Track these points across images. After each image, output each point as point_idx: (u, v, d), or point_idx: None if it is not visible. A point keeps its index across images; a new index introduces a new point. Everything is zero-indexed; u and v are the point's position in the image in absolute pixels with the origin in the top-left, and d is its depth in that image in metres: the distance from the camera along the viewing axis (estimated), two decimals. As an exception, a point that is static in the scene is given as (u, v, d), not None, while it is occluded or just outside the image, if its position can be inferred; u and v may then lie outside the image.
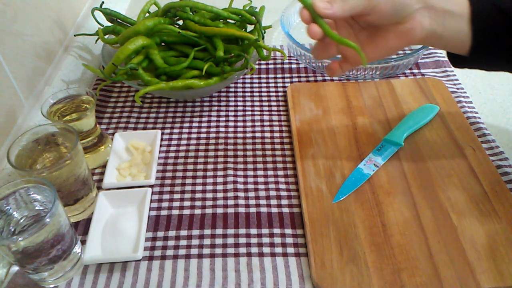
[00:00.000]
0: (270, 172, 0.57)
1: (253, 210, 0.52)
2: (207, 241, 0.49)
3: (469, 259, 0.45)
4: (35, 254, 0.41)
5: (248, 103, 0.68)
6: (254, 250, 0.48)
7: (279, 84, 0.71)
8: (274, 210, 0.52)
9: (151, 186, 0.55)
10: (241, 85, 0.71)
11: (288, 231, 0.50)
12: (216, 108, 0.67)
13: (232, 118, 0.65)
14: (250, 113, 0.66)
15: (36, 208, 0.43)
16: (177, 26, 0.66)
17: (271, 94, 0.69)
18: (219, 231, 0.50)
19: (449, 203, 0.51)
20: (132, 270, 0.47)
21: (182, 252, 0.48)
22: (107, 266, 0.47)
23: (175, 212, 0.53)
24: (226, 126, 0.64)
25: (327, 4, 0.41)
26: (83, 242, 0.49)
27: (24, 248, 0.40)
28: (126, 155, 0.59)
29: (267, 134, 0.62)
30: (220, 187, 0.55)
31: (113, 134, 0.62)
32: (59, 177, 0.46)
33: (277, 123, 0.64)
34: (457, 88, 0.68)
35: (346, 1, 0.41)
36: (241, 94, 0.69)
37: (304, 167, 0.56)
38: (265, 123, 0.64)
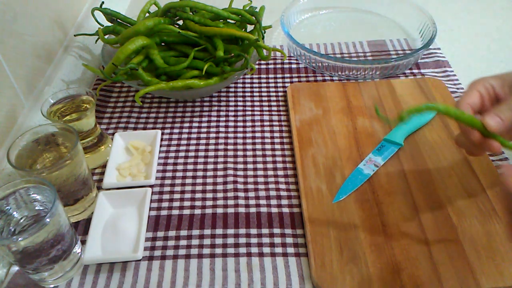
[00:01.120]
0: (270, 172, 0.57)
1: (253, 210, 0.52)
2: (207, 241, 0.49)
3: (469, 259, 0.45)
4: (35, 254, 0.41)
5: (248, 103, 0.68)
6: (254, 250, 0.48)
7: (279, 84, 0.71)
8: (274, 210, 0.52)
9: (151, 186, 0.55)
10: (241, 85, 0.71)
11: (288, 231, 0.50)
12: (216, 108, 0.67)
13: (232, 118, 0.65)
14: (250, 113, 0.66)
15: (36, 208, 0.43)
16: (177, 26, 0.66)
17: (271, 94, 0.69)
18: (219, 231, 0.50)
19: (449, 203, 0.51)
20: (132, 270, 0.47)
21: (182, 252, 0.48)
22: (107, 266, 0.47)
23: (175, 212, 0.53)
24: (226, 126, 0.64)
25: (498, 118, 0.40)
26: (83, 242, 0.49)
27: (24, 248, 0.40)
28: (126, 155, 0.59)
29: (267, 134, 0.62)
30: (220, 187, 0.55)
31: (113, 134, 0.62)
32: (59, 177, 0.46)
33: (277, 123, 0.64)
34: (457, 88, 0.68)
35: None
36: (241, 94, 0.69)
37: (304, 167, 0.56)
38: (265, 123, 0.64)
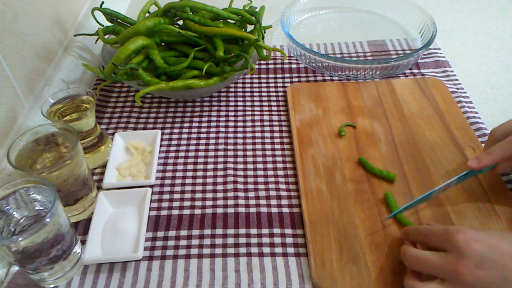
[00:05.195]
0: (270, 172, 0.57)
1: (253, 210, 0.52)
2: (207, 241, 0.49)
3: (469, 259, 0.45)
4: (35, 254, 0.41)
5: (248, 103, 0.68)
6: (254, 250, 0.48)
7: (279, 84, 0.71)
8: (274, 210, 0.52)
9: (151, 186, 0.55)
10: (241, 85, 0.71)
11: (288, 231, 0.50)
12: (216, 108, 0.67)
13: (232, 118, 0.65)
14: (250, 113, 0.66)
15: (36, 208, 0.43)
16: (177, 26, 0.66)
17: (271, 94, 0.69)
18: (219, 231, 0.50)
19: (449, 203, 0.51)
20: (132, 270, 0.47)
21: (182, 252, 0.49)
22: (107, 266, 0.47)
23: (175, 212, 0.53)
24: (226, 126, 0.64)
25: (477, 160, 0.48)
26: (83, 242, 0.49)
27: (24, 248, 0.40)
28: (126, 155, 0.59)
29: (267, 134, 0.62)
30: (220, 187, 0.55)
31: (113, 134, 0.62)
32: (59, 177, 0.46)
33: (277, 123, 0.64)
34: (457, 88, 0.68)
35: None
36: (241, 94, 0.69)
37: (304, 167, 0.56)
38: (265, 123, 0.64)
